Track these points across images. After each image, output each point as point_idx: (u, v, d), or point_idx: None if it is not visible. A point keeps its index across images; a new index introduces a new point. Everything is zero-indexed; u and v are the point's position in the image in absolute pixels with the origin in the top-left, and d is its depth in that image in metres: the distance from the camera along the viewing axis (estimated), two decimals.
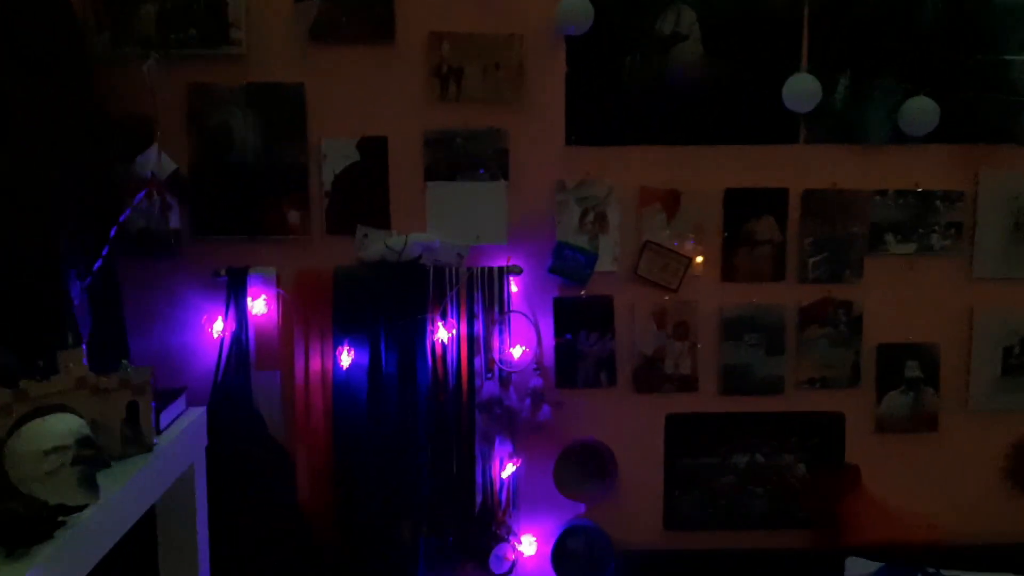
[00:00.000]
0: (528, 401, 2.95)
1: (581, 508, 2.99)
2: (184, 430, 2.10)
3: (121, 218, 2.28)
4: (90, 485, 1.54)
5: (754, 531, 3.06)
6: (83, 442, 1.54)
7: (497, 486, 2.97)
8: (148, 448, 1.89)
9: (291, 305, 2.82)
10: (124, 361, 1.97)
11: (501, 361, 2.91)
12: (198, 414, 2.24)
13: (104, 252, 2.16)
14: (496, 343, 2.94)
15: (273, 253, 2.85)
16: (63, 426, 1.53)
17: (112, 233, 2.23)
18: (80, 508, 1.55)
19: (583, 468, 2.97)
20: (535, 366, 2.97)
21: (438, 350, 2.85)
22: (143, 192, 2.44)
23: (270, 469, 2.82)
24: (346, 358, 2.80)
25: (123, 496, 1.71)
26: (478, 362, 2.86)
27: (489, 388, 2.92)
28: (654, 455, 3.03)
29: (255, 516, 2.76)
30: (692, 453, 3.05)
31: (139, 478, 1.80)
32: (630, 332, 2.97)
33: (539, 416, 2.93)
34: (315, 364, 2.85)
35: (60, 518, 1.51)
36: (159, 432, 2.00)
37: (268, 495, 2.79)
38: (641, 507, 3.04)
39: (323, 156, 2.85)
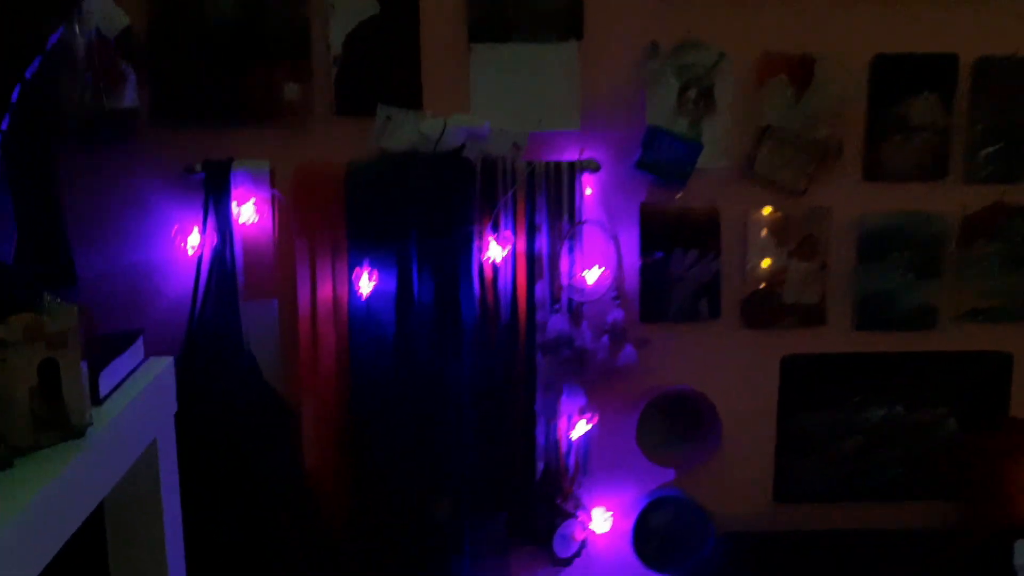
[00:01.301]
0: (605, 339, 2.39)
1: (670, 475, 2.53)
2: (139, 395, 1.45)
3: (27, 72, 1.56)
4: None
5: (890, 504, 2.59)
6: None
7: (564, 449, 2.44)
8: (77, 432, 1.24)
9: (291, 212, 2.29)
10: (47, 295, 1.31)
11: (571, 287, 2.37)
12: (163, 367, 1.60)
13: (4, 124, 1.46)
14: (564, 264, 2.37)
15: (265, 141, 2.29)
16: None
17: (15, 95, 1.51)
18: None
19: (674, 425, 2.53)
20: (615, 294, 2.40)
21: (488, 273, 2.32)
22: (59, 29, 1.71)
23: (266, 427, 2.31)
24: (365, 283, 2.29)
25: (32, 517, 1.06)
26: (540, 289, 2.35)
27: (555, 323, 2.36)
28: (765, 407, 2.54)
29: (247, 488, 2.28)
30: (814, 405, 2.54)
31: (63, 480, 1.15)
32: (741, 249, 2.44)
33: (620, 359, 2.39)
34: (324, 291, 2.32)
35: None
36: (99, 402, 1.35)
37: (264, 460, 2.29)
38: (746, 474, 2.57)
39: (330, 8, 2.27)
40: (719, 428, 2.49)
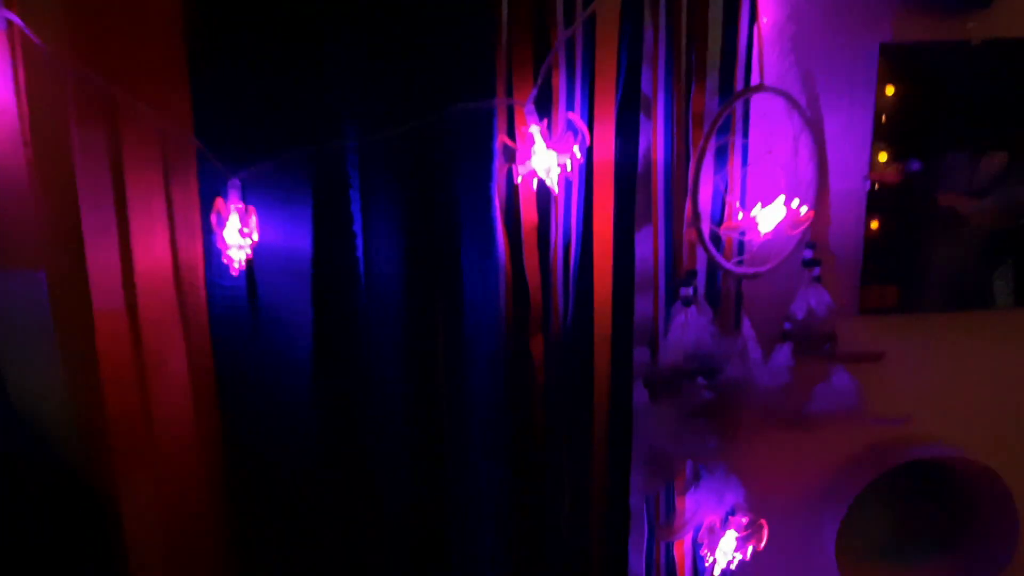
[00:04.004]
0: (786, 354, 1.24)
1: None
2: None
3: None
4: None
5: None
6: None
7: None
8: None
9: (62, 71, 1.09)
10: None
11: (717, 242, 1.19)
12: None
13: None
14: (706, 188, 1.18)
15: None
16: None
17: None
18: None
19: (912, 519, 1.48)
20: (811, 254, 1.22)
21: (528, 212, 1.17)
22: None
23: (45, 528, 1.28)
24: (236, 235, 1.13)
25: None
26: (645, 245, 1.18)
27: (683, 324, 1.17)
28: None
29: None
30: None
31: None
32: None
33: (818, 397, 1.27)
34: (153, 251, 1.17)
35: None
36: None
37: None
38: None
39: None
40: (1015, 525, 1.37)
